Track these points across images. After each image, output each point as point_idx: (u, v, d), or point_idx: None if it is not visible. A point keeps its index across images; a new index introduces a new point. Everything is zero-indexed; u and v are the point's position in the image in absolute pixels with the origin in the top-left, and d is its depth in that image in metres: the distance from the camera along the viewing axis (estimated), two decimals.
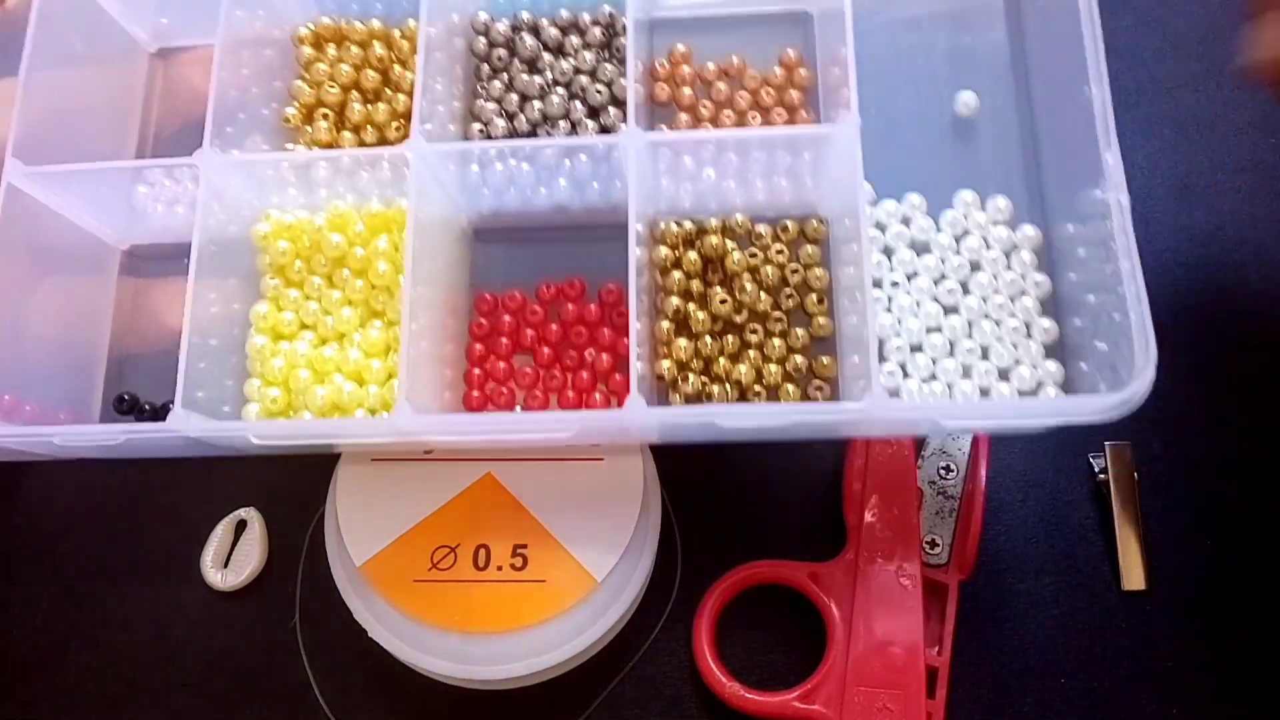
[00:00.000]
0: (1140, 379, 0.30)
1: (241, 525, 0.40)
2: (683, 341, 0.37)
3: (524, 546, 0.35)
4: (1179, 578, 0.38)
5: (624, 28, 0.39)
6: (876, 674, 0.35)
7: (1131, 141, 0.42)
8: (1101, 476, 0.39)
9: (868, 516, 0.37)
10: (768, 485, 0.40)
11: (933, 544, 0.37)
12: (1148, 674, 0.37)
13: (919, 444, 0.38)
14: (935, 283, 0.38)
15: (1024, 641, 0.38)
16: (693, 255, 0.38)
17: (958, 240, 0.38)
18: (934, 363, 0.37)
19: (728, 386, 0.37)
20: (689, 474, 0.39)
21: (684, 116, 0.41)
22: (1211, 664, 0.37)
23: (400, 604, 0.35)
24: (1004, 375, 0.37)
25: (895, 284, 0.38)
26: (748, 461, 0.40)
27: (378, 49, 0.41)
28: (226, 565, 0.39)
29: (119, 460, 0.39)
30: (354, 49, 0.41)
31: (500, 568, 0.35)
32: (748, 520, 0.39)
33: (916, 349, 0.37)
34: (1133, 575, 0.37)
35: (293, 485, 0.40)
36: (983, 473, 0.37)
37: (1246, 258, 0.42)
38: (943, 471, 0.38)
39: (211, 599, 0.39)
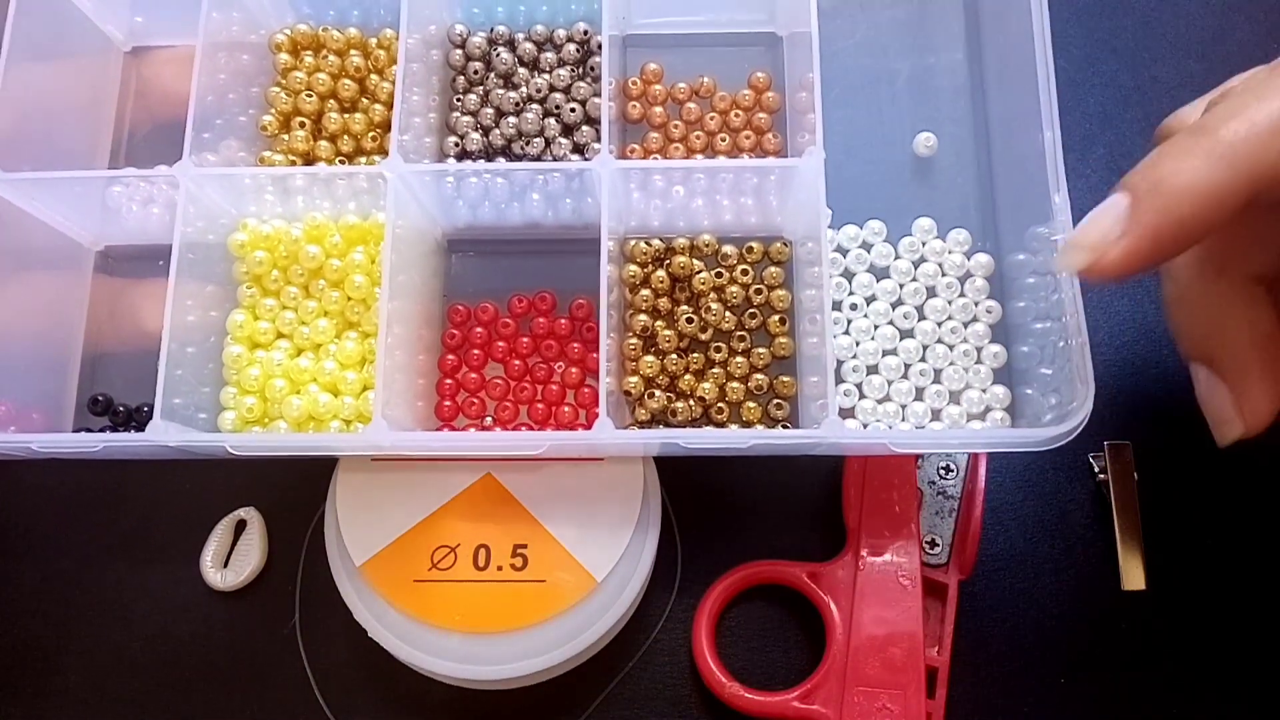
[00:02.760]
0: (1079, 413, 0.32)
1: (241, 525, 0.40)
2: (649, 358, 0.38)
3: (524, 546, 0.36)
4: (1179, 578, 0.38)
5: (599, 45, 0.40)
6: (876, 674, 0.35)
7: (1131, 142, 0.44)
8: (1101, 476, 0.39)
9: (867, 516, 0.37)
10: (768, 485, 0.40)
11: (933, 544, 0.37)
12: (1148, 674, 0.38)
13: None
14: (893, 307, 0.40)
15: (1024, 641, 0.38)
16: (661, 274, 0.39)
17: (915, 266, 0.40)
18: (888, 384, 0.39)
19: (691, 403, 0.38)
20: (689, 474, 0.39)
21: (655, 135, 0.42)
22: (1211, 664, 0.38)
23: (400, 604, 0.35)
24: (954, 398, 0.39)
25: (854, 307, 0.40)
26: (748, 462, 0.39)
27: (355, 58, 0.42)
28: (226, 565, 0.39)
29: (117, 461, 0.39)
30: (331, 58, 0.42)
31: (500, 568, 0.36)
32: (748, 520, 0.40)
33: (873, 370, 0.39)
34: (1133, 575, 0.37)
35: (293, 485, 0.40)
36: (982, 473, 0.38)
37: None
38: (943, 471, 0.38)
39: (211, 599, 0.39)
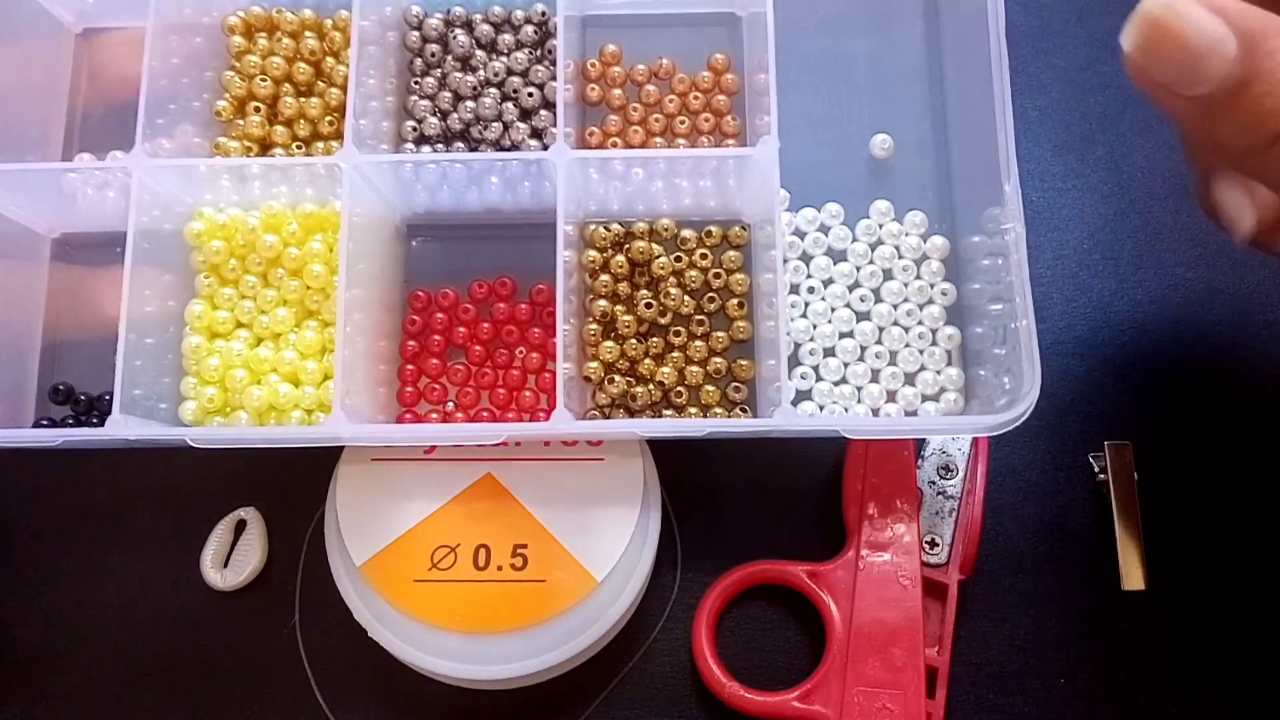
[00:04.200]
0: (1028, 399, 0.33)
1: (241, 525, 0.40)
2: (609, 344, 0.39)
3: (524, 546, 0.36)
4: (1179, 578, 0.39)
5: (556, 27, 0.39)
6: (876, 674, 0.35)
7: (1131, 141, 0.44)
8: (1101, 476, 0.39)
9: (867, 516, 0.37)
10: (767, 485, 0.40)
11: (933, 544, 0.37)
12: (1148, 674, 0.38)
13: (919, 444, 0.38)
14: (849, 290, 0.40)
15: (1024, 641, 0.38)
16: (620, 259, 0.40)
17: (872, 249, 0.40)
18: (845, 367, 0.39)
19: (650, 387, 0.39)
20: (689, 473, 0.39)
21: (615, 118, 0.42)
22: (1211, 664, 0.38)
23: (400, 604, 0.35)
24: (910, 380, 0.39)
25: (811, 290, 0.40)
26: (747, 461, 0.40)
27: (310, 41, 0.41)
28: (226, 565, 0.39)
29: (117, 459, 0.40)
30: (285, 40, 0.41)
31: (500, 567, 0.36)
32: (747, 520, 0.40)
33: (830, 353, 0.40)
34: (1132, 575, 0.37)
35: (293, 484, 0.39)
36: (982, 473, 0.38)
37: (1250, 258, 0.42)
38: (943, 471, 0.38)
39: (211, 599, 0.39)
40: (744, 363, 0.39)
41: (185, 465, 0.40)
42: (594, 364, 0.39)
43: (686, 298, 0.39)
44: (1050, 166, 0.44)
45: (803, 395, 0.39)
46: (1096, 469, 0.39)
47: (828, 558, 0.38)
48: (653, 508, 0.37)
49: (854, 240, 0.40)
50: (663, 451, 0.38)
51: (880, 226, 0.41)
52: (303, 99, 0.41)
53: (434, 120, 0.41)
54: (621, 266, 0.40)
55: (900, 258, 0.40)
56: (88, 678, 0.39)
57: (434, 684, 0.37)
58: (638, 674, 0.38)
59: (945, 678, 0.36)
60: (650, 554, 0.37)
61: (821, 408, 0.39)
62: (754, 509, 0.40)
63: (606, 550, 0.36)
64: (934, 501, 0.38)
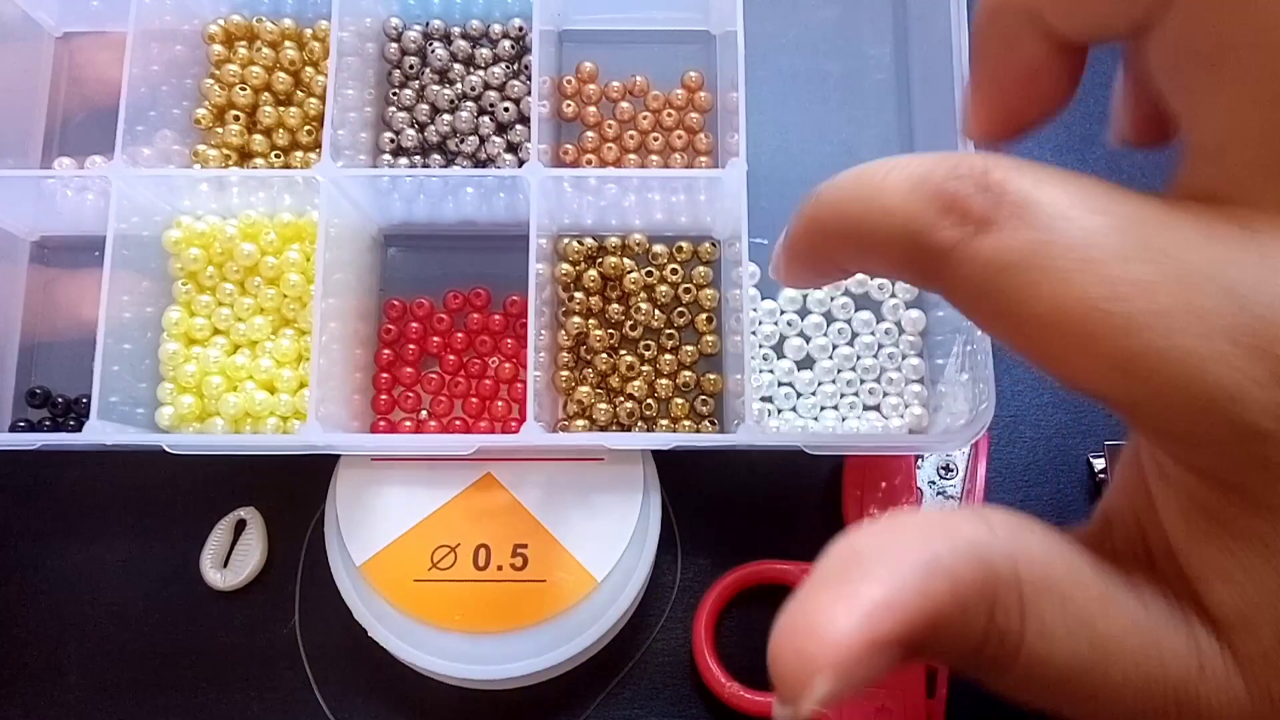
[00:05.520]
0: (985, 415, 0.34)
1: (241, 524, 0.40)
2: (580, 355, 0.40)
3: (524, 546, 0.36)
4: None
5: (532, 43, 0.40)
6: None
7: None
8: (1102, 476, 0.39)
9: (867, 516, 0.37)
10: (767, 485, 0.40)
11: None
12: None
13: None
14: (818, 304, 0.41)
15: None
16: (593, 273, 0.40)
17: None
18: (814, 383, 0.40)
19: (621, 400, 0.40)
20: (689, 473, 0.40)
21: (590, 134, 0.42)
22: None
23: (400, 603, 0.36)
24: (876, 395, 0.40)
25: (782, 310, 0.41)
26: (747, 461, 0.41)
27: (289, 50, 0.42)
28: (226, 565, 0.40)
29: (116, 459, 0.40)
30: (265, 50, 0.42)
31: (500, 567, 0.36)
32: (748, 520, 0.40)
33: (799, 366, 0.41)
34: None
35: (292, 484, 0.40)
36: (982, 473, 0.38)
37: None
38: (943, 471, 0.38)
39: (211, 599, 0.40)
40: (712, 376, 0.40)
41: (185, 466, 0.40)
42: (565, 373, 0.40)
43: (657, 311, 0.40)
44: None
45: (768, 409, 0.40)
46: (1096, 469, 0.40)
47: None
48: (653, 507, 0.38)
49: None
50: (662, 451, 0.38)
51: None
52: (281, 108, 0.42)
53: (411, 132, 0.41)
54: (594, 281, 0.40)
55: (871, 277, 0.41)
56: (86, 677, 0.39)
57: (434, 684, 0.37)
58: (638, 674, 0.39)
59: (945, 678, 0.36)
60: (650, 554, 0.37)
61: (785, 423, 0.40)
62: (754, 509, 0.40)
63: (606, 550, 0.36)
64: (934, 501, 0.38)
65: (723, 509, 0.40)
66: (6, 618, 0.40)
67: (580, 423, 0.39)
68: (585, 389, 0.39)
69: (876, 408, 0.40)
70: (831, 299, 0.41)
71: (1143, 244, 0.15)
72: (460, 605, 0.36)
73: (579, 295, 0.40)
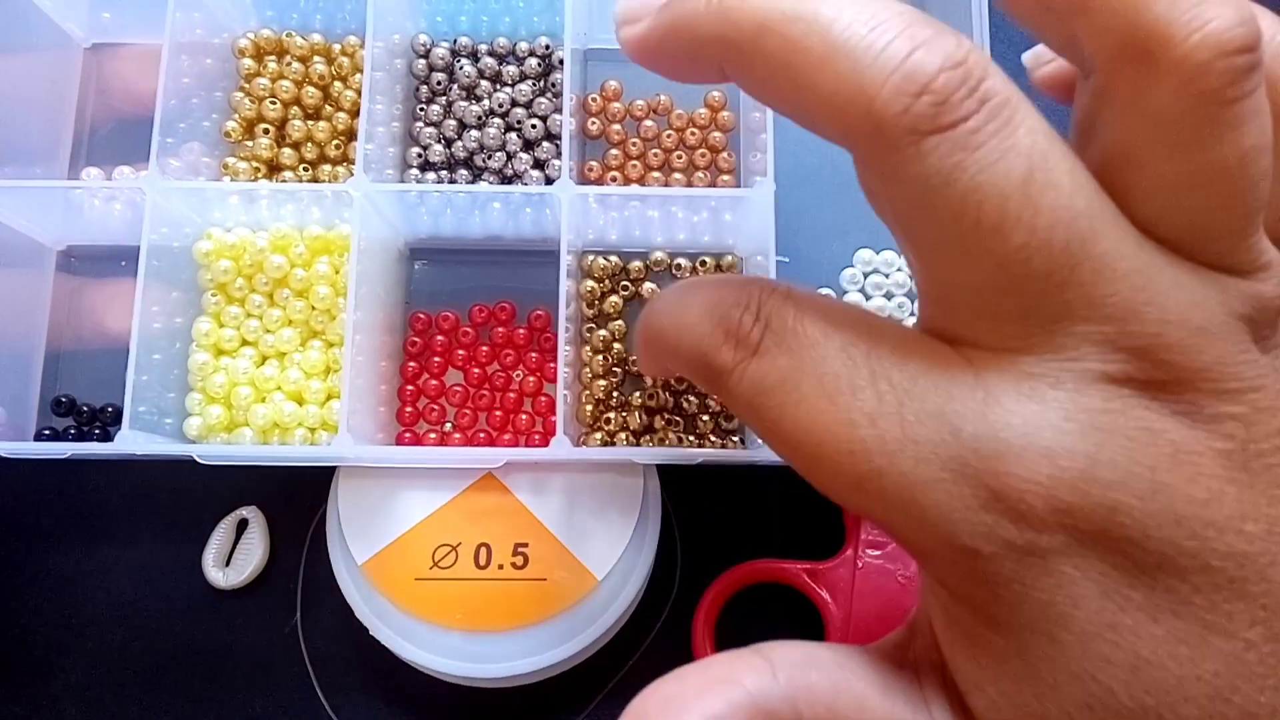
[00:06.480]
0: None
1: (243, 524, 0.40)
2: (604, 372, 0.40)
3: (525, 545, 0.36)
4: None
5: (560, 61, 0.41)
6: None
7: None
8: None
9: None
10: (767, 484, 0.40)
11: None
12: None
13: None
14: None
15: None
16: (616, 297, 0.41)
17: (864, 277, 0.42)
18: None
19: (645, 414, 0.40)
20: (689, 473, 0.40)
21: (615, 152, 0.43)
22: None
23: (402, 602, 0.36)
24: None
25: None
26: (748, 462, 0.40)
27: (318, 65, 0.42)
28: (228, 564, 0.40)
29: (119, 460, 0.39)
30: (295, 64, 0.42)
31: (501, 566, 0.36)
32: (747, 519, 0.40)
33: None
34: None
35: (294, 484, 0.40)
36: None
37: None
38: None
39: (213, 597, 0.40)
40: None
41: (186, 467, 0.40)
42: (597, 384, 0.40)
43: None
44: None
45: None
46: None
47: (827, 557, 0.38)
48: (653, 507, 0.38)
49: (849, 266, 0.42)
50: None
51: (876, 256, 0.42)
52: (310, 122, 0.42)
53: (438, 148, 0.42)
54: (618, 300, 0.41)
55: (892, 297, 0.42)
56: (90, 676, 0.39)
57: (435, 682, 0.37)
58: (638, 673, 0.39)
59: None
60: (650, 553, 0.37)
61: None
62: (753, 508, 0.41)
63: (607, 549, 0.36)
64: None
65: (723, 508, 0.41)
66: (9, 616, 0.40)
67: (599, 435, 0.40)
68: (611, 403, 0.40)
69: None
70: (845, 294, 0.42)
71: (871, 375, 0.16)
72: (461, 604, 0.36)
73: (603, 309, 0.41)
